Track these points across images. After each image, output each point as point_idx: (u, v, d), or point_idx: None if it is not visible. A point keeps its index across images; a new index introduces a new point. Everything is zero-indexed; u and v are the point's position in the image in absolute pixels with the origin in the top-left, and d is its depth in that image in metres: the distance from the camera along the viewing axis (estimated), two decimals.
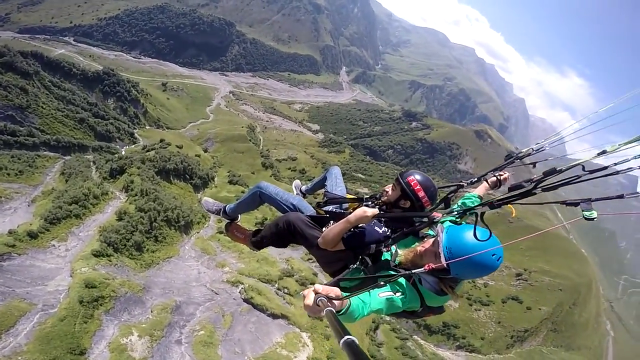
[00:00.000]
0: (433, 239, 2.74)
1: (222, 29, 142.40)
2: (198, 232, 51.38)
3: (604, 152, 2.23)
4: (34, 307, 28.87)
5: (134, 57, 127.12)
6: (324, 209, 3.84)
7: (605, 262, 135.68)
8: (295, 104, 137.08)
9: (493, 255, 2.45)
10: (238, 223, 4.62)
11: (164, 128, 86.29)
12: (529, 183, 2.44)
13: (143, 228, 42.19)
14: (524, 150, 3.49)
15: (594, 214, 2.17)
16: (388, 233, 3.18)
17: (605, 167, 2.27)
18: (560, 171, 2.38)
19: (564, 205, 2.30)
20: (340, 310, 2.09)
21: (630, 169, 2.15)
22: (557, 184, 2.31)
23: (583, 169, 2.27)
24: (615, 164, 2.23)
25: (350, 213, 3.24)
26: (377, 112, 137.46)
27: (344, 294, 2.15)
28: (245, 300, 40.42)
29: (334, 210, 3.81)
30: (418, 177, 3.32)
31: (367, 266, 3.02)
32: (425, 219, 3.06)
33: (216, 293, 41.74)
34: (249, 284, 43.43)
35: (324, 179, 4.46)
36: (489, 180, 3.76)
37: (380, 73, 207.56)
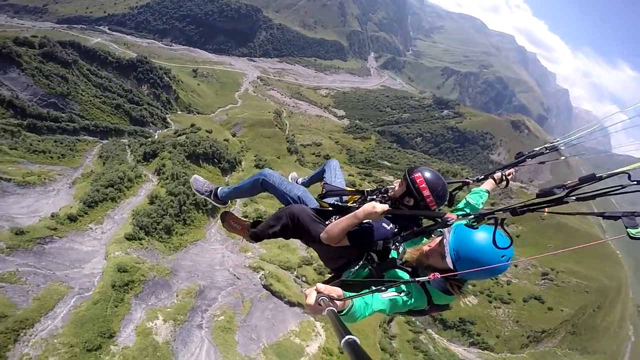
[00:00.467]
0: (439, 238, 2.65)
1: (249, 15, 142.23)
2: None
3: None
4: (71, 290, 30.53)
5: (165, 45, 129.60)
6: (328, 201, 3.69)
7: None
8: (322, 90, 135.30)
9: (502, 256, 2.32)
10: (234, 213, 4.46)
11: (195, 113, 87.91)
12: (562, 189, 2.18)
13: (173, 211, 43.56)
14: (536, 148, 3.24)
15: None
16: (396, 230, 3.03)
17: None
18: (600, 178, 2.06)
19: (602, 218, 2.02)
20: (342, 311, 2.05)
21: None
22: (594, 193, 2.01)
23: (629, 177, 1.95)
24: None
25: (353, 206, 3.18)
26: (406, 99, 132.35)
27: (347, 294, 2.10)
28: (265, 287, 41.37)
29: (339, 203, 3.63)
30: (427, 174, 3.10)
31: (372, 264, 2.88)
32: (439, 220, 2.81)
33: (238, 278, 42.71)
34: (269, 271, 44.15)
35: (322, 171, 4.27)
36: (495, 177, 3.59)
37: (410, 59, 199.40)
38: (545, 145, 3.18)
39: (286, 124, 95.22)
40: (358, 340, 1.37)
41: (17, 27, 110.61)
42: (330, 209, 3.52)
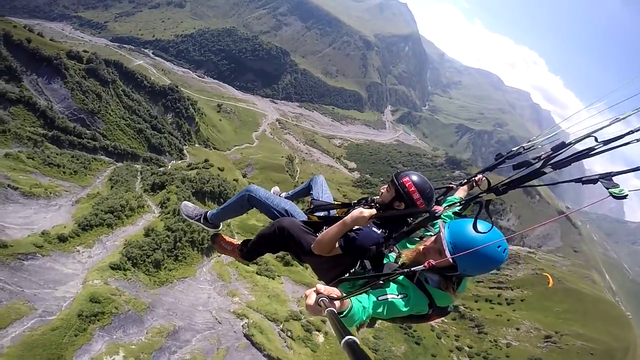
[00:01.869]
0: (434, 236, 2.66)
1: (277, 57, 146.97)
2: (219, 256, 50.86)
3: (616, 119, 2.02)
4: (33, 311, 28.90)
5: (198, 76, 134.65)
6: (316, 214, 3.61)
7: None
8: (336, 139, 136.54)
9: (498, 247, 2.34)
10: (224, 234, 4.20)
11: (212, 148, 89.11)
12: (537, 160, 2.21)
13: (166, 247, 42.39)
14: (514, 149, 3.09)
15: (624, 191, 1.89)
16: (385, 234, 2.98)
17: (622, 136, 1.93)
18: (570, 144, 2.11)
19: (581, 183, 2.03)
20: (342, 312, 2.03)
21: None
22: (568, 159, 2.07)
23: (596, 140, 2.01)
24: (632, 131, 1.89)
25: (342, 216, 3.09)
26: (418, 155, 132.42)
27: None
28: (246, 336, 38.71)
29: (328, 215, 3.55)
30: (414, 178, 3.11)
31: (367, 270, 2.83)
32: (427, 214, 2.89)
33: (219, 322, 40.27)
34: (253, 320, 41.67)
35: (309, 187, 4.23)
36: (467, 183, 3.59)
37: (426, 114, 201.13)
38: (523, 145, 2.97)
39: (297, 171, 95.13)
40: (358, 341, 1.36)
41: (75, 40, 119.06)
42: (320, 221, 3.44)
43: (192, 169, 66.12)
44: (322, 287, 1.99)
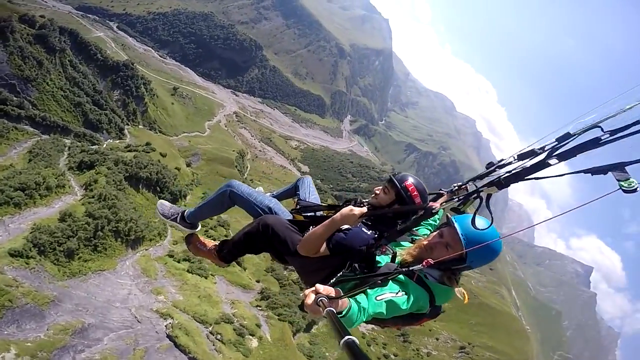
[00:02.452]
0: (435, 232, 2.67)
1: (249, 50, 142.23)
2: (147, 250, 47.43)
3: (622, 110, 1.84)
4: None
5: (160, 56, 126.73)
6: (303, 214, 3.43)
7: (546, 339, 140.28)
8: (293, 141, 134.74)
9: (499, 240, 2.45)
10: (199, 235, 3.84)
11: (157, 131, 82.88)
12: (541, 150, 2.11)
13: (84, 235, 38.42)
14: (505, 158, 2.81)
15: (634, 184, 1.73)
16: (376, 235, 2.85)
17: (628, 126, 1.80)
18: (576, 135, 1.99)
19: (591, 174, 1.90)
20: (341, 312, 2.02)
21: None
22: (574, 149, 1.95)
23: (602, 130, 1.89)
24: (638, 122, 1.75)
25: (330, 215, 3.00)
26: (368, 168, 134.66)
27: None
28: (169, 337, 36.21)
29: (315, 214, 3.38)
30: (414, 181, 3.14)
31: (356, 273, 2.70)
32: (424, 211, 2.76)
33: (138, 321, 37.32)
34: (179, 321, 39.23)
35: (295, 187, 4.00)
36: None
37: (381, 129, 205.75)
38: (514, 156, 2.63)
39: (247, 167, 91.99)
40: (357, 341, 1.35)
41: (38, 4, 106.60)
42: (306, 220, 3.27)
43: (130, 151, 61.16)
44: (321, 287, 1.94)
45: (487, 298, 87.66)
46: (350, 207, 2.81)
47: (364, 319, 2.24)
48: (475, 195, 2.37)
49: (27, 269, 31.73)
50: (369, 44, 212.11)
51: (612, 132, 1.85)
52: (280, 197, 4.20)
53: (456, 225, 2.48)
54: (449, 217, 2.60)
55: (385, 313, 2.32)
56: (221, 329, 40.59)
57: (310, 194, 3.91)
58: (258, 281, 55.59)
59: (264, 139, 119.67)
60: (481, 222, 2.42)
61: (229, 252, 3.48)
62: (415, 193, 3.07)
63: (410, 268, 2.36)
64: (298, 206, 3.61)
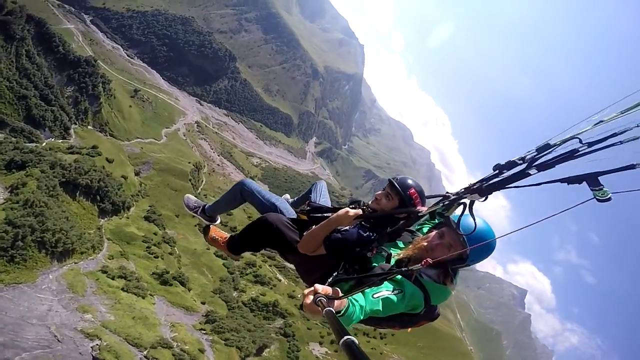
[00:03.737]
0: (433, 233, 2.70)
1: (223, 60, 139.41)
2: (76, 263, 43.59)
3: (600, 122, 1.91)
4: None
5: (127, 55, 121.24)
6: (307, 214, 3.50)
7: (488, 358, 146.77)
8: (255, 158, 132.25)
9: (494, 235, 2.57)
10: (215, 227, 4.07)
11: (108, 134, 77.86)
12: (521, 162, 2.17)
13: (1, 244, 34.40)
14: (514, 158, 2.70)
15: (608, 194, 1.81)
16: (373, 237, 2.88)
17: (605, 138, 1.87)
18: (555, 146, 2.06)
19: (567, 184, 1.97)
20: (340, 311, 2.02)
21: (635, 138, 1.81)
22: (553, 160, 2.04)
23: (580, 141, 1.96)
24: (616, 134, 1.84)
25: (330, 216, 3.11)
26: (328, 192, 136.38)
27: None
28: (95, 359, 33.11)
29: (315, 215, 3.43)
30: (416, 187, 3.15)
31: (351, 273, 2.77)
32: (411, 214, 2.93)
33: (59, 340, 33.92)
34: (108, 342, 35.99)
35: (309, 191, 4.16)
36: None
37: (344, 154, 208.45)
38: (517, 158, 2.59)
39: (202, 181, 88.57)
40: (357, 341, 1.34)
41: None
42: (307, 219, 3.37)
43: (72, 153, 56.64)
44: (320, 286, 1.95)
45: (434, 322, 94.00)
46: (347, 208, 2.96)
47: (362, 317, 2.24)
48: (460, 201, 2.50)
49: None
50: (342, 68, 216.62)
51: (590, 144, 1.93)
52: (298, 202, 4.41)
53: (457, 225, 2.54)
54: (449, 218, 2.66)
55: (381, 310, 2.34)
56: (158, 354, 38.02)
57: (321, 196, 4.04)
58: (204, 303, 52.89)
59: (224, 153, 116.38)
60: (480, 221, 2.55)
61: (235, 245, 3.69)
62: (418, 200, 3.10)
63: (409, 268, 2.35)
64: (308, 207, 3.69)
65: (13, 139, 53.15)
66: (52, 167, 46.64)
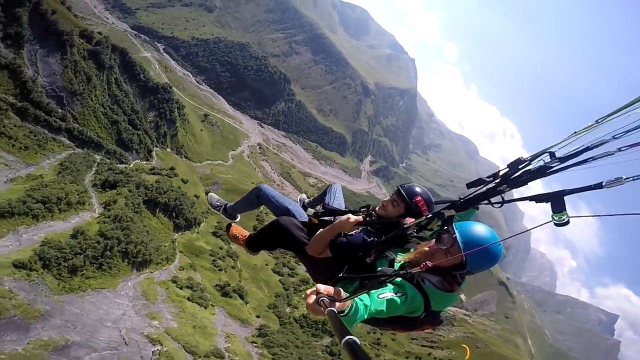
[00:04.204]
0: (434, 239, 2.67)
1: (279, 83, 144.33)
2: (151, 272, 46.73)
3: (573, 134, 1.80)
4: None
5: (196, 81, 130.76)
6: (318, 218, 3.64)
7: None
8: (311, 178, 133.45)
9: (500, 245, 2.51)
10: (236, 225, 4.21)
11: (183, 156, 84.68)
12: (491, 179, 2.20)
13: (92, 253, 38.26)
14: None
15: (565, 217, 1.81)
16: (376, 242, 2.93)
17: (579, 152, 1.78)
18: (527, 161, 2.03)
19: (535, 202, 1.95)
20: (343, 311, 2.01)
21: (608, 153, 1.69)
22: (524, 178, 2.00)
23: (552, 156, 1.90)
24: (589, 148, 1.73)
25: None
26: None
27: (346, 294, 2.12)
28: None
29: (325, 219, 3.58)
30: (423, 194, 3.16)
31: (355, 275, 2.82)
32: (397, 225, 2.90)
33: (126, 343, 35.80)
34: (168, 349, 37.43)
35: (325, 193, 4.34)
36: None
37: (401, 172, 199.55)
38: (485, 177, 2.68)
39: None
40: (358, 341, 1.34)
41: (99, 21, 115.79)
42: (317, 223, 3.50)
43: (154, 174, 62.36)
44: (322, 286, 1.96)
45: (500, 347, 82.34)
46: (349, 214, 3.02)
47: (366, 316, 2.24)
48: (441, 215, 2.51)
49: (27, 281, 31.46)
50: (394, 84, 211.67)
51: (562, 159, 1.81)
52: (314, 203, 4.62)
53: (455, 231, 2.49)
54: (451, 224, 2.59)
55: (385, 311, 2.35)
56: None
57: (335, 199, 4.14)
58: (258, 316, 53.61)
59: (283, 174, 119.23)
60: (480, 228, 2.46)
61: (252, 243, 3.81)
62: (425, 207, 3.10)
63: (409, 271, 2.37)
64: (322, 210, 3.82)
65: (107, 160, 60.28)
66: (138, 187, 51.63)
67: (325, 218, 3.61)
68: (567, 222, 1.80)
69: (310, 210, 4.64)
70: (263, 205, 4.13)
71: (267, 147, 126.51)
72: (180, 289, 47.84)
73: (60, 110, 63.11)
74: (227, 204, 4.53)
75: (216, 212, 4.60)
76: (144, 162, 70.35)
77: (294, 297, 61.65)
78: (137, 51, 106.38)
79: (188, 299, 47.09)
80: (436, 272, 2.53)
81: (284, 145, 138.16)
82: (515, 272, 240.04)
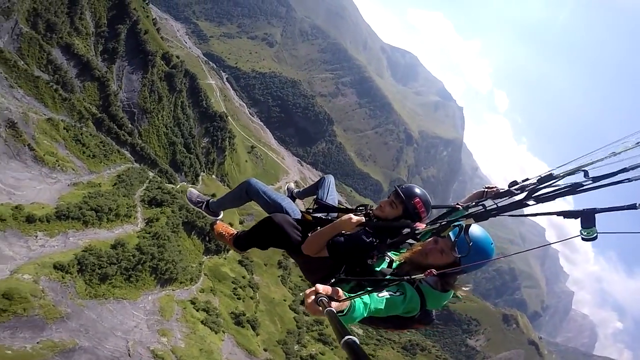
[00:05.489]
0: (430, 239, 2.68)
1: (322, 123, 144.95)
2: (173, 290, 47.36)
3: (613, 154, 1.79)
4: None
5: (250, 113, 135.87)
6: (312, 215, 3.53)
7: None
8: None
9: (492, 244, 2.60)
10: (221, 222, 4.07)
11: (226, 184, 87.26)
12: (520, 191, 2.19)
13: (125, 265, 39.76)
14: (531, 179, 2.66)
15: (593, 233, 1.74)
16: (376, 243, 2.88)
17: (614, 173, 1.76)
18: (558, 178, 2.02)
19: (563, 217, 1.85)
20: (342, 311, 2.00)
21: None
22: (553, 194, 1.93)
23: (585, 174, 1.85)
24: (626, 169, 1.72)
25: (335, 219, 3.16)
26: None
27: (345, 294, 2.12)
28: None
29: (322, 216, 3.48)
30: (422, 196, 3.08)
31: (352, 277, 2.77)
32: (409, 230, 2.88)
33: (129, 355, 35.55)
34: None
35: (317, 186, 4.10)
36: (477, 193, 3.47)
37: None
38: (512, 189, 2.70)
39: None
40: (358, 341, 1.33)
41: (179, 43, 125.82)
42: (313, 221, 3.36)
43: None
44: (320, 286, 1.93)
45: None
46: (350, 215, 2.94)
47: (366, 314, 2.22)
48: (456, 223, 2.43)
49: (60, 283, 32.93)
50: (439, 133, 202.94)
51: (596, 179, 1.76)
52: (305, 194, 4.44)
53: (449, 233, 2.51)
54: (466, 233, 2.59)
55: (383, 310, 2.33)
56: None
57: (329, 194, 3.96)
58: (266, 350, 52.07)
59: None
60: (474, 228, 2.45)
61: (240, 240, 3.66)
62: (423, 209, 3.03)
63: (413, 277, 2.33)
64: (315, 205, 3.72)
65: (159, 178, 64.04)
66: (180, 209, 53.78)
67: (320, 215, 3.48)
68: (595, 238, 1.70)
69: (299, 202, 4.59)
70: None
71: (302, 186, 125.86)
72: (197, 310, 47.77)
73: (130, 125, 69.14)
74: (209, 200, 4.29)
75: (196, 208, 4.33)
76: (190, 185, 73.45)
77: (305, 335, 60.24)
78: (204, 77, 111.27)
79: (202, 322, 46.75)
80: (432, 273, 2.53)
81: None
82: (550, 332, 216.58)
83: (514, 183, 2.85)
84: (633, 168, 1.67)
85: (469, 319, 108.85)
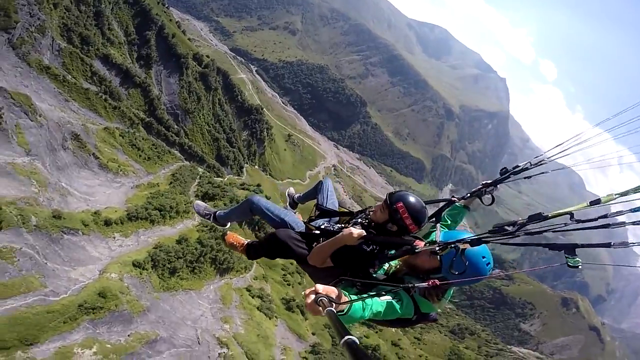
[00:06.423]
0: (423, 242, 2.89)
1: (355, 105, 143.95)
2: (231, 279, 51.27)
3: (597, 201, 2.11)
4: (42, 289, 29.07)
5: (282, 103, 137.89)
6: (315, 224, 3.74)
7: None
8: None
9: (483, 257, 2.62)
10: (233, 233, 4.43)
11: (268, 174, 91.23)
12: (513, 227, 2.39)
13: (189, 258, 43.82)
14: (520, 164, 3.25)
15: (578, 262, 2.08)
16: (376, 251, 3.11)
17: (595, 219, 2.11)
18: (547, 217, 2.25)
19: (548, 249, 2.25)
20: (342, 311, 2.10)
21: (622, 223, 2.03)
22: (540, 230, 2.21)
23: (571, 217, 2.15)
24: (606, 216, 2.07)
25: (338, 231, 3.27)
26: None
27: (345, 294, 2.24)
28: None
29: (325, 227, 3.64)
30: (407, 201, 3.11)
31: (355, 283, 2.95)
32: (408, 247, 2.98)
33: (199, 343, 39.22)
34: (233, 352, 40.47)
35: (317, 190, 4.36)
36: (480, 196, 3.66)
37: (486, 203, 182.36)
38: (530, 161, 3.22)
39: None
40: (358, 341, 1.35)
41: (205, 42, 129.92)
42: (316, 233, 3.53)
43: (244, 189, 68.79)
44: (321, 287, 2.00)
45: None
46: (351, 229, 3.03)
47: (366, 316, 2.36)
48: (453, 246, 2.54)
49: (139, 279, 37.34)
50: (481, 105, 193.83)
51: (580, 222, 2.06)
52: (305, 199, 4.73)
53: (438, 233, 2.75)
54: (437, 229, 2.94)
55: (382, 313, 2.50)
56: None
57: (328, 199, 4.14)
58: (314, 334, 54.47)
59: (355, 197, 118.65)
60: (476, 249, 2.54)
61: (250, 250, 4.01)
62: (406, 215, 3.05)
63: (415, 285, 2.55)
64: (316, 211, 3.91)
65: (208, 173, 68.35)
66: (230, 201, 57.20)
67: (322, 223, 3.71)
68: (578, 267, 2.09)
69: (300, 206, 4.96)
70: None
71: (341, 169, 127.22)
72: (252, 297, 51.32)
73: (176, 126, 74.01)
74: (215, 212, 4.57)
75: (204, 219, 4.64)
76: (236, 177, 77.91)
77: None
78: (235, 72, 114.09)
79: (257, 308, 50.16)
80: (418, 274, 2.85)
81: (358, 168, 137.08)
82: (616, 317, 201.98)
83: (505, 169, 3.41)
84: (612, 216, 2.04)
85: (524, 303, 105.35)
